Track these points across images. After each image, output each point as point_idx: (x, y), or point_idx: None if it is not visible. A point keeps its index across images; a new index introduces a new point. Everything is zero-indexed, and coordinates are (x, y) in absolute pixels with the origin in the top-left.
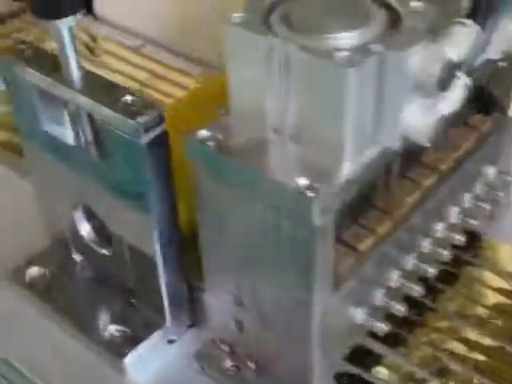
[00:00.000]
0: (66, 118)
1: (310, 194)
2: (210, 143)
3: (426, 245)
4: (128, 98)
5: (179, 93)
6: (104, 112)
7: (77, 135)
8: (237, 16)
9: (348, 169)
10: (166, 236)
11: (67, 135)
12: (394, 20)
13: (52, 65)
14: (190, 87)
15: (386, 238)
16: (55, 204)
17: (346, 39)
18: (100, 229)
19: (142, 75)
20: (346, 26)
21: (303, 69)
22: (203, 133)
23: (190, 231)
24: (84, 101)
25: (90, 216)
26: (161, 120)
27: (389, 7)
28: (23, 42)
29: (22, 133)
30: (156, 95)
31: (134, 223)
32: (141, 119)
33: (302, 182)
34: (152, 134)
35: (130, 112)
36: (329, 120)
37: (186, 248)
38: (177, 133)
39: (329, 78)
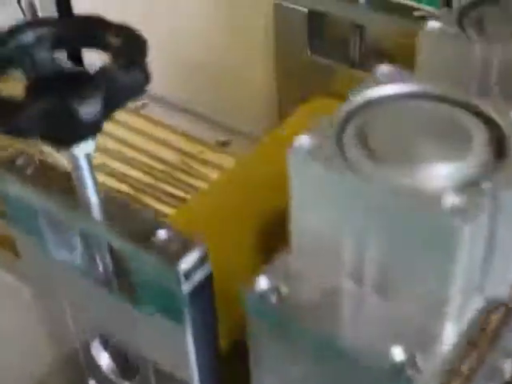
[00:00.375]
0: (78, 242)
1: (410, 372)
2: (272, 298)
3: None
4: (162, 233)
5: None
6: (132, 251)
7: (92, 261)
8: (303, 139)
9: (452, 329)
10: (204, 353)
11: (79, 260)
12: (496, 137)
13: (62, 184)
14: (210, 160)
15: (472, 374)
16: (63, 323)
17: (446, 172)
18: (119, 354)
19: (163, 152)
20: (443, 151)
21: (397, 213)
22: (263, 284)
23: (231, 348)
24: (106, 234)
25: (108, 341)
26: (205, 259)
27: (482, 115)
28: (20, 153)
29: (15, 231)
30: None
31: (164, 338)
32: (182, 265)
33: (398, 354)
34: (195, 281)
35: (167, 253)
36: (429, 273)
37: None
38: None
39: (434, 230)
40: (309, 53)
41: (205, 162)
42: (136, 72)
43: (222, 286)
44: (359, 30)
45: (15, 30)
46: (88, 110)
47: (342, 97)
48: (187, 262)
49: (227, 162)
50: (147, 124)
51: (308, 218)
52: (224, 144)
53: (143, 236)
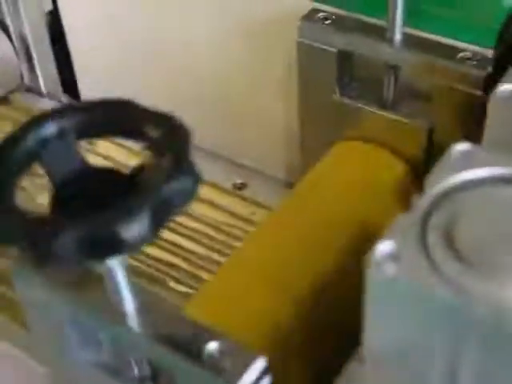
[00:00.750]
0: (106, 340)
1: None
2: None
3: None
4: (213, 346)
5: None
6: (178, 366)
7: (123, 362)
8: (384, 245)
9: None
10: None
11: (106, 359)
12: None
13: (89, 283)
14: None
15: None
16: None
17: None
18: None
19: None
20: None
21: (504, 335)
22: None
23: None
24: (144, 345)
25: None
26: (265, 374)
27: None
28: None
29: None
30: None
31: None
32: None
33: None
34: None
35: (221, 371)
36: None
37: None
38: None
39: None
40: (338, 94)
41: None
42: (186, 176)
43: None
44: (393, 70)
45: (35, 122)
46: (134, 233)
47: (372, 140)
48: (246, 381)
49: None
50: None
51: (387, 331)
52: (241, 187)
53: (192, 349)
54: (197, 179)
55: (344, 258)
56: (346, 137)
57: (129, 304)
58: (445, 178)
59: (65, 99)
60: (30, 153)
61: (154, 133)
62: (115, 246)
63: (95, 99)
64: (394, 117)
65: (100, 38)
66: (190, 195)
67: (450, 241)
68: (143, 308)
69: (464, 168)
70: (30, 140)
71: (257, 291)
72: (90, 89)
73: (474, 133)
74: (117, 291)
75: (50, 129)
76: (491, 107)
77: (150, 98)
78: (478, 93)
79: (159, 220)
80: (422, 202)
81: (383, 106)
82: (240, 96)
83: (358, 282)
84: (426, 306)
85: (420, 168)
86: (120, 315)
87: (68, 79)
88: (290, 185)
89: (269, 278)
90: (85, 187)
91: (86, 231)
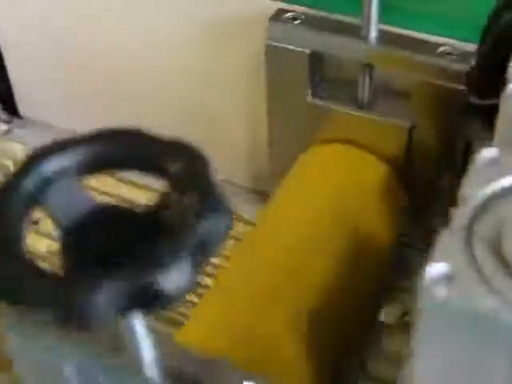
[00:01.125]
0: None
1: None
2: None
3: None
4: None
5: None
6: None
7: None
8: (437, 267)
9: None
10: None
11: None
12: None
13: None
14: None
15: None
16: None
17: None
18: None
19: None
20: None
21: None
22: None
23: None
24: None
25: None
26: None
27: None
28: None
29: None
30: None
31: None
32: None
33: None
34: None
35: None
36: None
37: None
38: None
39: None
40: (310, 97)
41: None
42: (218, 213)
43: None
44: (369, 68)
45: (33, 160)
46: (175, 284)
47: (351, 142)
48: None
49: None
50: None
51: (438, 356)
52: None
53: None
54: (229, 213)
55: (338, 267)
56: (321, 140)
57: (148, 353)
58: (479, 188)
59: (4, 116)
60: (30, 194)
61: (173, 167)
62: (156, 300)
63: (103, 129)
64: (371, 117)
65: (38, 48)
66: (225, 232)
67: (498, 254)
68: (164, 356)
69: (496, 175)
70: (30, 180)
71: (253, 307)
72: (28, 104)
73: (456, 128)
74: (136, 342)
75: (50, 168)
76: (502, 105)
77: (106, 108)
78: (460, 87)
79: (198, 266)
80: (460, 216)
81: (360, 106)
82: (205, 101)
83: (355, 291)
84: (482, 327)
85: (402, 167)
86: (138, 366)
87: (6, 95)
88: (258, 192)
89: (263, 294)
90: (98, 230)
91: (127, 286)
